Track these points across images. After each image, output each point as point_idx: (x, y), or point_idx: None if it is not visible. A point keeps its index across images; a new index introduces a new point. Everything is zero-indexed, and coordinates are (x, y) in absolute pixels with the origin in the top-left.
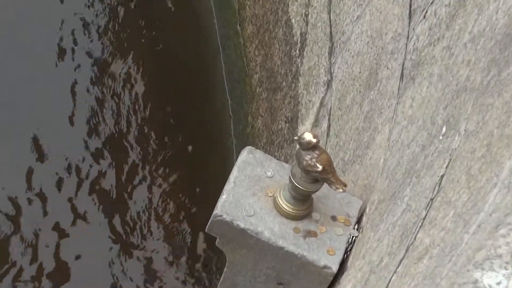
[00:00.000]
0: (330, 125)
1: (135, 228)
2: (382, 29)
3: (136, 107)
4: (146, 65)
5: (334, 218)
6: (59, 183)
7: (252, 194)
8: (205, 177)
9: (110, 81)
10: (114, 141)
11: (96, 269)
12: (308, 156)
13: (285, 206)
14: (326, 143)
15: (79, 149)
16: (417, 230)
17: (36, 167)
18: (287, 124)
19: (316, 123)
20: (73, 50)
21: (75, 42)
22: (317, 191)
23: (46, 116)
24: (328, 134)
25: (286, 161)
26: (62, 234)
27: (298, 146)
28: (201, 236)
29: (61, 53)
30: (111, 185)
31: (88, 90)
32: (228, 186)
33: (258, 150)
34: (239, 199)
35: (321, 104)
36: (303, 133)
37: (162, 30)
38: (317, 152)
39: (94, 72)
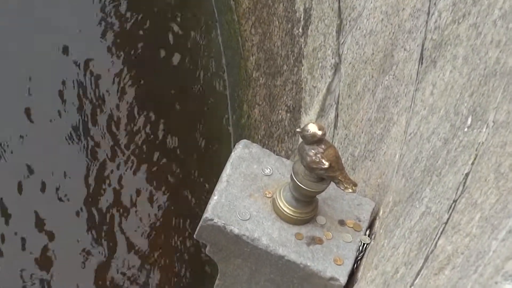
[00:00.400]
0: (338, 115)
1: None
2: (398, 4)
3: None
4: (126, 54)
5: (342, 222)
6: (20, 185)
7: (248, 195)
8: (196, 173)
9: (87, 76)
10: (87, 129)
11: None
12: (313, 151)
13: (286, 208)
14: (333, 136)
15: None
16: (437, 236)
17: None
18: (288, 114)
19: (321, 113)
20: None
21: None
22: (322, 191)
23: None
24: (335, 126)
25: (287, 157)
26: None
27: (300, 140)
28: (193, 242)
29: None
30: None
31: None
32: (220, 186)
33: (254, 144)
34: (232, 200)
35: (328, 91)
36: (307, 124)
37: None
38: (322, 146)
39: (55, 58)
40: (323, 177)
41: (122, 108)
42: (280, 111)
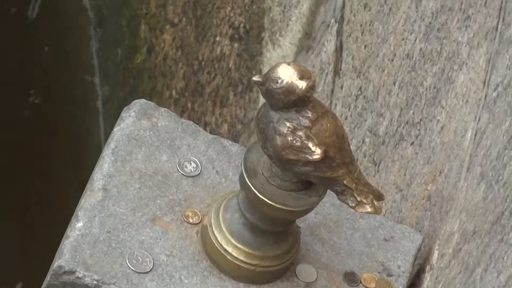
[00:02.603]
0: (341, 45)
1: None
2: None
3: None
4: None
5: (352, 278)
6: None
7: (148, 219)
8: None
9: None
10: None
11: None
12: (288, 125)
13: (233, 248)
14: (332, 94)
15: None
16: None
17: None
18: (235, 45)
19: (307, 42)
20: None
21: None
22: (309, 211)
23: None
24: (336, 70)
25: (234, 138)
26: None
27: (262, 101)
28: None
29: None
30: None
31: None
32: (89, 200)
33: (162, 109)
34: (115, 231)
35: None
36: (276, 66)
37: None
38: (309, 114)
39: None
40: (309, 180)
41: None
42: (218, 39)
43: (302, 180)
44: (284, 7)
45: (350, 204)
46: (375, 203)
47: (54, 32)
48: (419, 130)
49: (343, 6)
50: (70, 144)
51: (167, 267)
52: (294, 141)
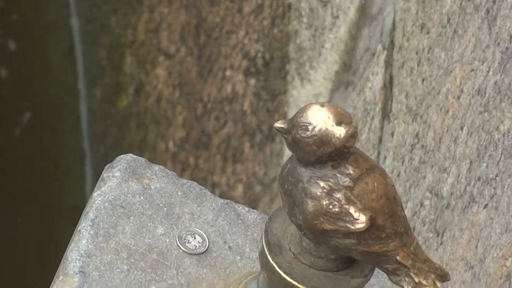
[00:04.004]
0: (392, 78)
1: None
2: None
3: None
4: None
5: None
6: None
7: None
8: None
9: None
10: None
11: None
12: (322, 185)
13: None
14: (381, 142)
15: None
16: None
17: None
18: (251, 81)
19: (347, 76)
20: None
21: None
22: None
23: None
24: (387, 110)
25: (251, 204)
26: None
27: (288, 154)
28: None
29: None
30: None
31: None
32: None
33: (157, 167)
34: None
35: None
36: (307, 108)
37: None
38: (350, 169)
39: None
40: (351, 256)
41: None
42: (228, 74)
43: (341, 256)
44: (316, 31)
45: (406, 287)
46: (438, 285)
47: None
48: (494, 188)
49: (393, 29)
50: None
51: None
52: (331, 206)
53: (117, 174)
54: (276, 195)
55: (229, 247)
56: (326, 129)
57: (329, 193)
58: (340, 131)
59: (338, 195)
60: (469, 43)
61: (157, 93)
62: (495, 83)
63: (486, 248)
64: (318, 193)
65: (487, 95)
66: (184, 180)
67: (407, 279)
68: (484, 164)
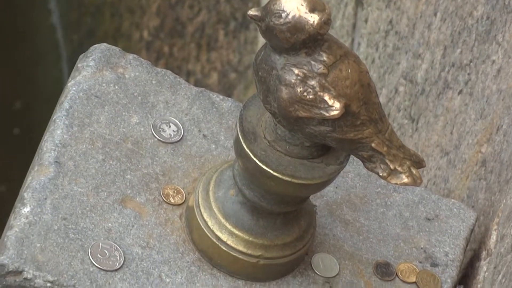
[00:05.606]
0: None
1: None
2: None
3: None
4: None
5: (384, 268)
6: None
7: (115, 201)
8: None
9: None
10: None
11: None
12: (296, 72)
13: (228, 234)
14: (355, 28)
15: None
16: None
17: None
18: None
19: None
20: None
21: None
22: (327, 184)
23: None
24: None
25: (226, 90)
26: None
27: (262, 41)
28: None
29: None
30: None
31: None
32: (37, 179)
33: (131, 55)
34: (73, 217)
35: None
36: None
37: None
38: (324, 56)
39: None
40: (326, 143)
41: None
42: None
43: (316, 144)
44: None
45: (381, 174)
46: (414, 172)
47: None
48: (468, 74)
49: None
50: None
51: (143, 263)
52: (305, 93)
53: (92, 63)
54: (251, 82)
55: (204, 135)
56: (300, 16)
57: (303, 80)
58: (313, 18)
59: (312, 82)
60: None
61: None
62: None
63: (461, 134)
64: (293, 80)
65: None
66: (159, 69)
67: (382, 166)
68: (458, 50)
